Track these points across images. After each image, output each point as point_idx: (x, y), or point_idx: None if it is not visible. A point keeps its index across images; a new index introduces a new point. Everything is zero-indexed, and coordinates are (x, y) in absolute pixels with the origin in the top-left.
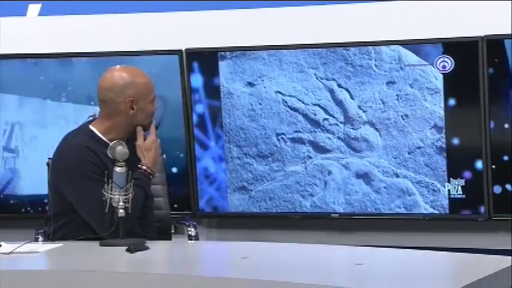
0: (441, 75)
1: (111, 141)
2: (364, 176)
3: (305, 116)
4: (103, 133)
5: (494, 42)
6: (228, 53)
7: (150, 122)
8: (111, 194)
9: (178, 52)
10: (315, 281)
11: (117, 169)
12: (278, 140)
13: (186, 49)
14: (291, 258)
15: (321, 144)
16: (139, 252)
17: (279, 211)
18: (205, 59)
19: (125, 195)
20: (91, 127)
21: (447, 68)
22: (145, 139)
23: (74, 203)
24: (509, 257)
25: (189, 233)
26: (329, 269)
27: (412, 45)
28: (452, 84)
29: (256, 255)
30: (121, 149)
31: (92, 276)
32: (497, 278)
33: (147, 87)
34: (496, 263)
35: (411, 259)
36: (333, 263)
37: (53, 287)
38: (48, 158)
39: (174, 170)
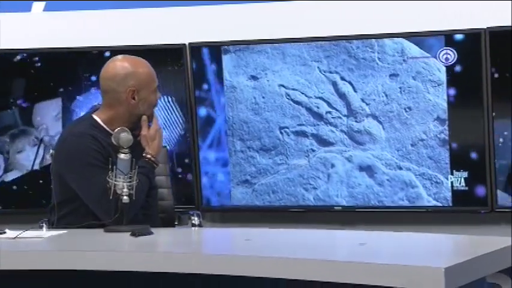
0: (444, 68)
1: (113, 131)
2: (367, 169)
3: (308, 109)
4: (105, 122)
5: (497, 34)
6: (231, 46)
7: (152, 112)
8: (115, 181)
9: (181, 46)
10: (320, 257)
11: (121, 156)
12: (281, 133)
13: (190, 43)
14: (295, 240)
15: (324, 137)
16: (144, 236)
17: (282, 204)
18: (209, 53)
19: (129, 182)
20: (94, 116)
21: (450, 60)
22: None
23: (77, 190)
24: (509, 238)
25: (193, 222)
26: (333, 248)
27: (415, 37)
28: (455, 76)
29: (260, 238)
30: (125, 136)
31: (96, 256)
32: (497, 256)
33: (148, 77)
34: (497, 243)
35: (413, 240)
36: (336, 243)
37: (58, 267)
38: (52, 150)
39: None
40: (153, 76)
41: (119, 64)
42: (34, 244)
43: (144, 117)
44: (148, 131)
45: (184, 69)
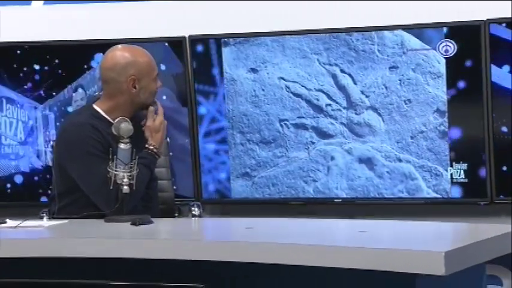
0: (444, 60)
1: (114, 121)
2: (367, 161)
3: (308, 101)
4: (106, 112)
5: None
6: (231, 39)
7: (153, 100)
8: (115, 171)
9: (181, 39)
10: (321, 243)
11: (122, 145)
12: (281, 126)
13: (190, 36)
14: (296, 228)
15: (324, 129)
16: (144, 225)
17: (282, 197)
18: (209, 46)
19: (129, 172)
20: (94, 106)
21: (450, 52)
22: None
23: (78, 180)
24: (509, 225)
25: (193, 212)
26: (333, 235)
27: (415, 29)
28: (455, 68)
29: (261, 226)
30: (126, 126)
31: (97, 243)
32: (497, 242)
33: (148, 66)
34: (497, 230)
35: (413, 227)
36: (336, 231)
37: (59, 255)
38: (53, 141)
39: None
40: (153, 65)
41: (119, 54)
42: (35, 233)
43: (151, 108)
44: (153, 122)
45: (185, 62)
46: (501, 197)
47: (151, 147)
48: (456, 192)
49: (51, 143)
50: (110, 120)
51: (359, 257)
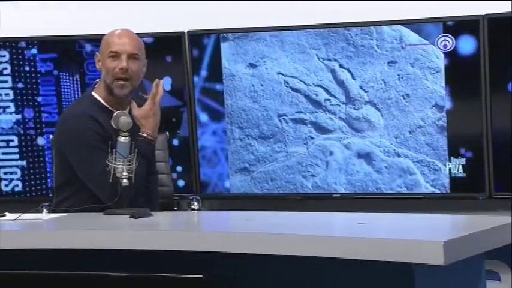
0: (442, 55)
1: (111, 107)
2: (366, 156)
3: (307, 96)
4: (104, 99)
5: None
6: (230, 34)
7: (112, 81)
8: (114, 164)
9: (180, 34)
10: (320, 233)
11: (121, 139)
12: (280, 121)
13: (188, 31)
14: (295, 220)
15: (323, 124)
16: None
17: (281, 192)
18: (207, 41)
19: (129, 165)
20: (93, 94)
21: (448, 47)
22: None
23: (78, 171)
24: (509, 217)
25: (192, 206)
26: (333, 226)
27: (414, 24)
28: (454, 63)
29: (260, 219)
30: (124, 119)
31: (96, 234)
32: (496, 232)
33: (105, 42)
34: (496, 221)
35: (412, 219)
36: (335, 223)
37: (58, 246)
38: (52, 134)
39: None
40: (110, 42)
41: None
42: (34, 225)
43: (134, 104)
44: (139, 110)
45: (183, 57)
46: (500, 191)
47: (145, 134)
48: (455, 187)
49: (51, 137)
50: (108, 107)
51: (358, 247)
